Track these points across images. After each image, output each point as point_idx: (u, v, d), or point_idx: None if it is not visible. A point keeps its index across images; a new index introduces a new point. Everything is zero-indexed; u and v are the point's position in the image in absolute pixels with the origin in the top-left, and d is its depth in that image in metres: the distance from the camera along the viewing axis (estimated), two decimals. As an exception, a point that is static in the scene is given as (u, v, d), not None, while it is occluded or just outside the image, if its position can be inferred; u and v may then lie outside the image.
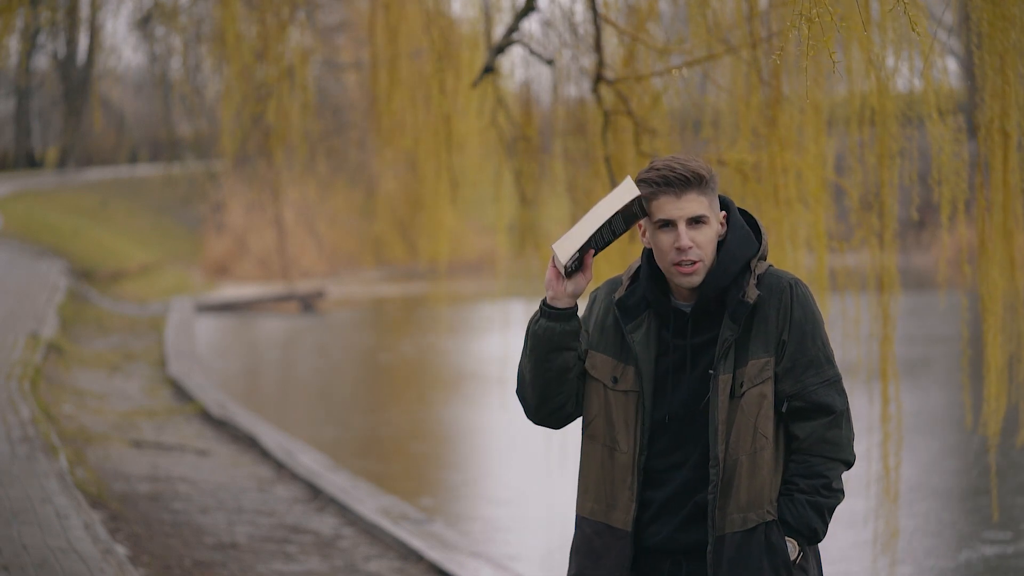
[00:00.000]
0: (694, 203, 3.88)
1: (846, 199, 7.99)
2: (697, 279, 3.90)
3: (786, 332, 3.88)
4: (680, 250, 3.88)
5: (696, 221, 3.88)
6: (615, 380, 3.98)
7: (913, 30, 5.26)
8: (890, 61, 7.45)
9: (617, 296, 4.03)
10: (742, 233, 3.95)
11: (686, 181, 3.87)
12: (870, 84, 7.51)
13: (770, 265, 3.97)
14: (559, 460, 13.36)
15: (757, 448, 3.86)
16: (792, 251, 8.20)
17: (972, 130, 7.28)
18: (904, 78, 7.55)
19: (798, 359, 3.88)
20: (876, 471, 7.86)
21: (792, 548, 3.86)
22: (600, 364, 4.01)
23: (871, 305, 7.89)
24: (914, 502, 10.92)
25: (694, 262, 3.88)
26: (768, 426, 3.87)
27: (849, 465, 3.92)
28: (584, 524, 4.02)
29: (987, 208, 7.24)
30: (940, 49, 7.61)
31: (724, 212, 3.97)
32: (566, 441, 13.48)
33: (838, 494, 3.89)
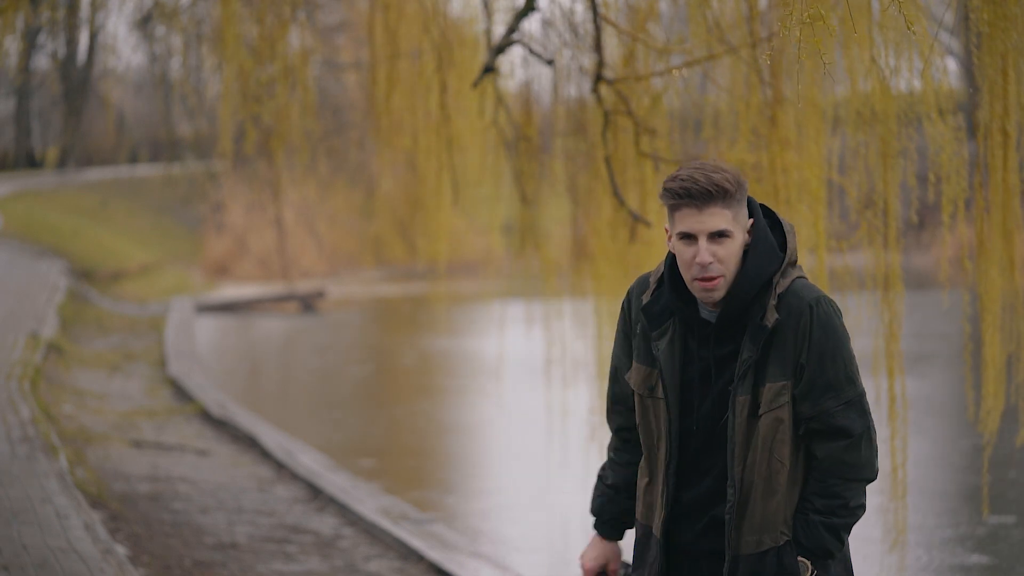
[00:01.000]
0: (716, 217, 3.78)
1: (847, 199, 7.99)
2: (719, 294, 3.83)
3: (804, 355, 3.82)
4: (701, 266, 3.81)
5: (718, 235, 3.80)
6: (651, 389, 3.98)
7: (909, 28, 5.26)
8: (891, 61, 7.44)
9: (644, 301, 4.00)
10: (765, 247, 3.86)
11: (708, 195, 3.77)
12: (872, 84, 7.51)
13: (796, 279, 3.88)
14: (560, 460, 13.35)
15: (772, 472, 3.84)
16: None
17: (972, 130, 7.28)
18: (904, 78, 7.55)
19: (816, 382, 3.82)
20: (884, 468, 7.87)
21: (804, 568, 3.86)
22: (635, 374, 4.02)
23: (874, 304, 7.89)
24: (917, 498, 10.92)
25: (714, 277, 3.81)
26: (784, 450, 3.84)
27: (871, 480, 3.89)
28: (637, 527, 4.12)
29: (987, 208, 7.24)
30: (940, 49, 7.61)
31: (752, 219, 3.88)
32: (567, 442, 13.48)
33: (857, 510, 3.87)
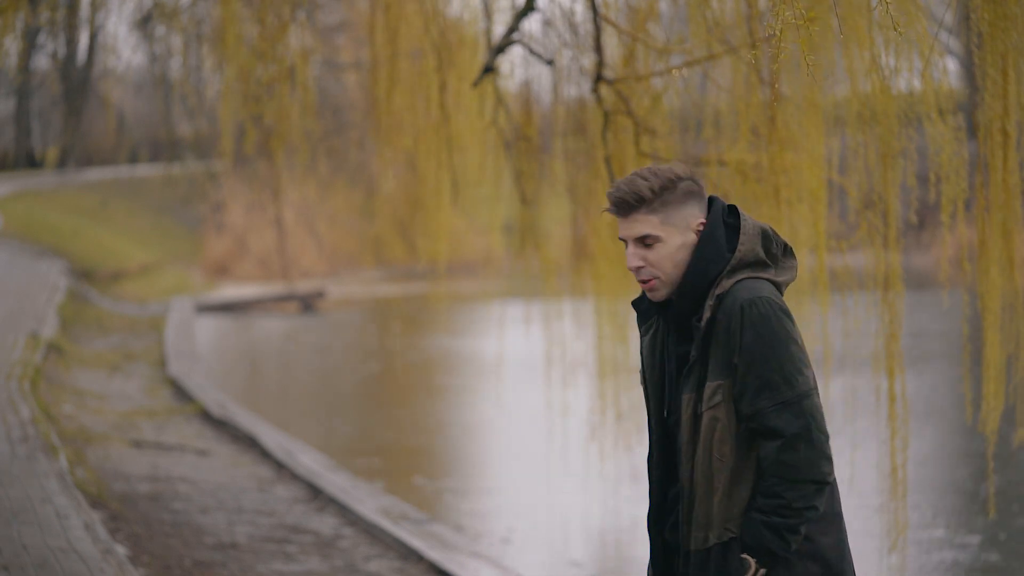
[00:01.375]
0: (640, 223, 3.91)
1: (847, 199, 8.00)
2: (659, 294, 3.96)
3: (736, 356, 3.86)
4: (632, 269, 3.95)
5: (644, 239, 3.92)
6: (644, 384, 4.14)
7: (895, 30, 5.28)
8: (891, 61, 7.45)
9: (633, 300, 4.13)
10: (709, 248, 3.93)
11: (627, 204, 3.90)
12: (872, 84, 7.51)
13: (744, 280, 3.91)
14: (560, 460, 13.35)
15: (714, 470, 3.89)
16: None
17: (972, 130, 7.28)
18: (904, 78, 7.55)
19: (749, 382, 3.85)
20: (884, 468, 7.86)
21: (747, 566, 3.88)
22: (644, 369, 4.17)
23: (874, 304, 7.89)
24: (917, 498, 10.92)
25: (647, 280, 3.94)
26: (724, 448, 3.89)
27: (819, 483, 3.85)
28: None
29: (987, 208, 7.24)
30: (940, 49, 7.62)
31: (703, 223, 3.93)
32: (567, 442, 13.48)
33: (803, 512, 3.85)
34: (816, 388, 3.88)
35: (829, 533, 3.93)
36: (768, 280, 3.93)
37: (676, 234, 3.92)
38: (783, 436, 3.83)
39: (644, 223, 3.91)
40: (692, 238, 3.93)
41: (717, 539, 3.89)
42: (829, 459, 3.86)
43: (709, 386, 3.88)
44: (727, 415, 3.88)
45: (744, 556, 3.87)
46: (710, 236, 3.93)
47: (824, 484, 3.86)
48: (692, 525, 3.93)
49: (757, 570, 3.87)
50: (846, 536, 3.99)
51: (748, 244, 3.93)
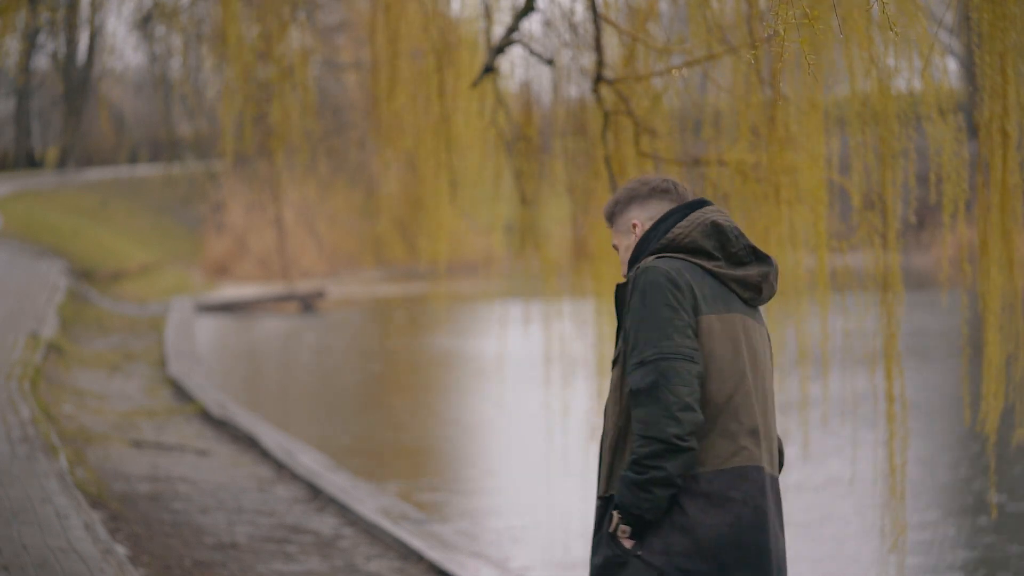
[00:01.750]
0: (613, 236, 4.41)
1: (848, 199, 8.00)
2: None
3: (628, 319, 4.10)
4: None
5: (616, 248, 4.40)
6: None
7: (891, 30, 5.29)
8: (891, 61, 7.45)
9: None
10: (650, 235, 4.26)
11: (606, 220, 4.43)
12: (872, 84, 7.51)
13: (663, 256, 4.15)
14: (560, 460, 13.36)
15: (607, 429, 4.12)
16: (792, 251, 8.20)
17: (972, 130, 7.29)
18: (904, 78, 7.55)
19: (629, 343, 4.06)
20: (883, 468, 7.86)
21: (611, 520, 4.06)
22: None
23: (874, 304, 7.89)
24: (917, 498, 10.92)
25: None
26: (615, 409, 4.10)
27: (666, 443, 3.94)
28: None
29: (987, 208, 7.24)
30: (940, 49, 7.62)
31: (635, 223, 4.28)
32: (567, 441, 13.48)
33: (651, 471, 3.94)
34: (692, 360, 3.98)
35: (712, 514, 3.97)
36: (699, 266, 4.11)
37: (623, 238, 4.37)
38: (633, 391, 4.00)
39: (613, 235, 4.41)
40: (632, 238, 4.31)
41: (603, 493, 4.12)
42: (678, 422, 3.94)
43: (617, 348, 4.15)
44: (618, 376, 4.10)
45: (614, 511, 4.03)
46: (657, 223, 4.25)
47: (672, 447, 3.94)
48: (599, 482, 4.17)
49: (618, 524, 4.01)
50: (755, 533, 4.00)
51: (684, 231, 4.17)
